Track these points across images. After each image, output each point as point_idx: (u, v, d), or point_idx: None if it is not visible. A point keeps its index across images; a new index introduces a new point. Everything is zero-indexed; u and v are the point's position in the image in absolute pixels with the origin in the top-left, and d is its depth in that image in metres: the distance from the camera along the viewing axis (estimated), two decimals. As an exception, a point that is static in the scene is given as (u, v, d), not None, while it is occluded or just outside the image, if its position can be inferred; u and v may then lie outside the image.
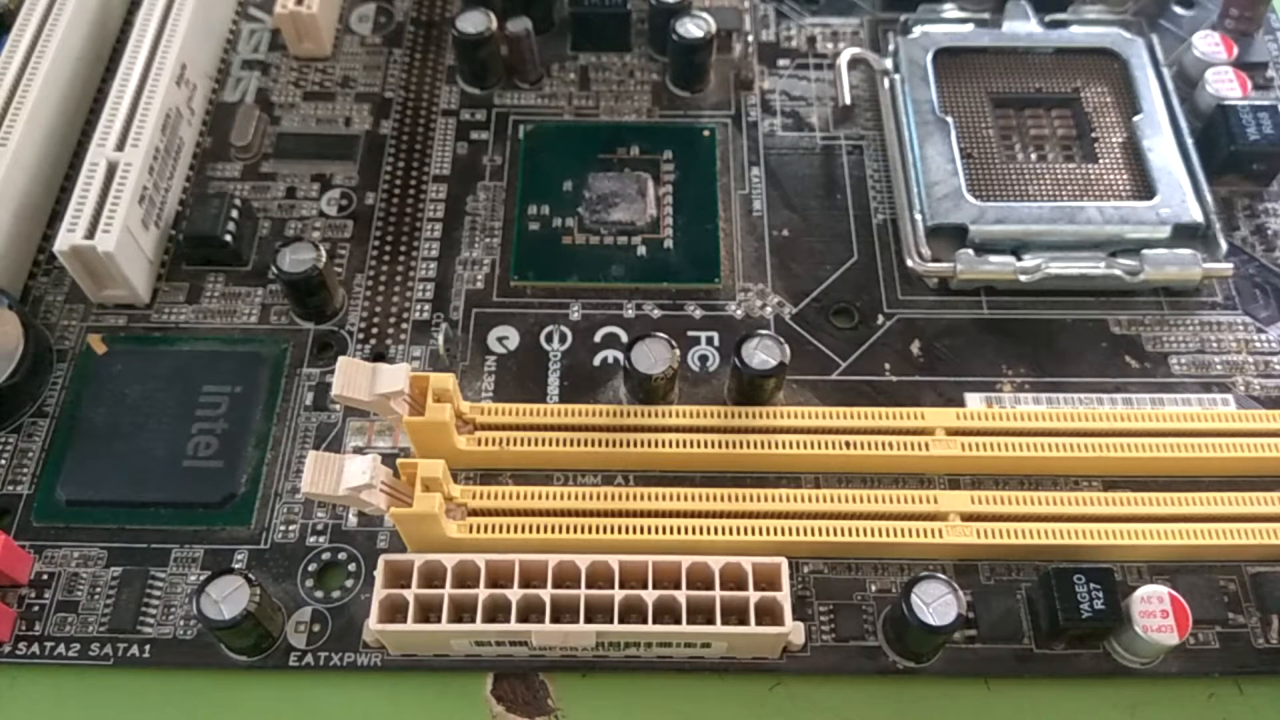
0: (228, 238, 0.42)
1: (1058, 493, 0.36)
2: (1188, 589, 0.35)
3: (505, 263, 0.43)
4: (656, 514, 0.35)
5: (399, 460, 0.33)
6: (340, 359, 0.34)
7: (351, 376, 0.33)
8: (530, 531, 0.34)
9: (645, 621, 0.33)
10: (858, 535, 0.35)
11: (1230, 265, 0.41)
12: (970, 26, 0.48)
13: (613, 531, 0.35)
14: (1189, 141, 0.44)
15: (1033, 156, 0.44)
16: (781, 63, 0.49)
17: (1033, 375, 0.40)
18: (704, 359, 0.41)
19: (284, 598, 0.36)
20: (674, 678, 0.35)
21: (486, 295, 0.42)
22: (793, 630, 0.33)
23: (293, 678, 0.35)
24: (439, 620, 0.33)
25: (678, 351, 0.38)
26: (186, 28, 0.45)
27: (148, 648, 0.35)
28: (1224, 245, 0.41)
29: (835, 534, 0.35)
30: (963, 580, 0.36)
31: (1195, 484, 0.37)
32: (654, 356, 0.37)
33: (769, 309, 0.42)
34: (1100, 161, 0.43)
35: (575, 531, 0.35)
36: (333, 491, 0.31)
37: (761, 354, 0.37)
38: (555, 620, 0.33)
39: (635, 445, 0.37)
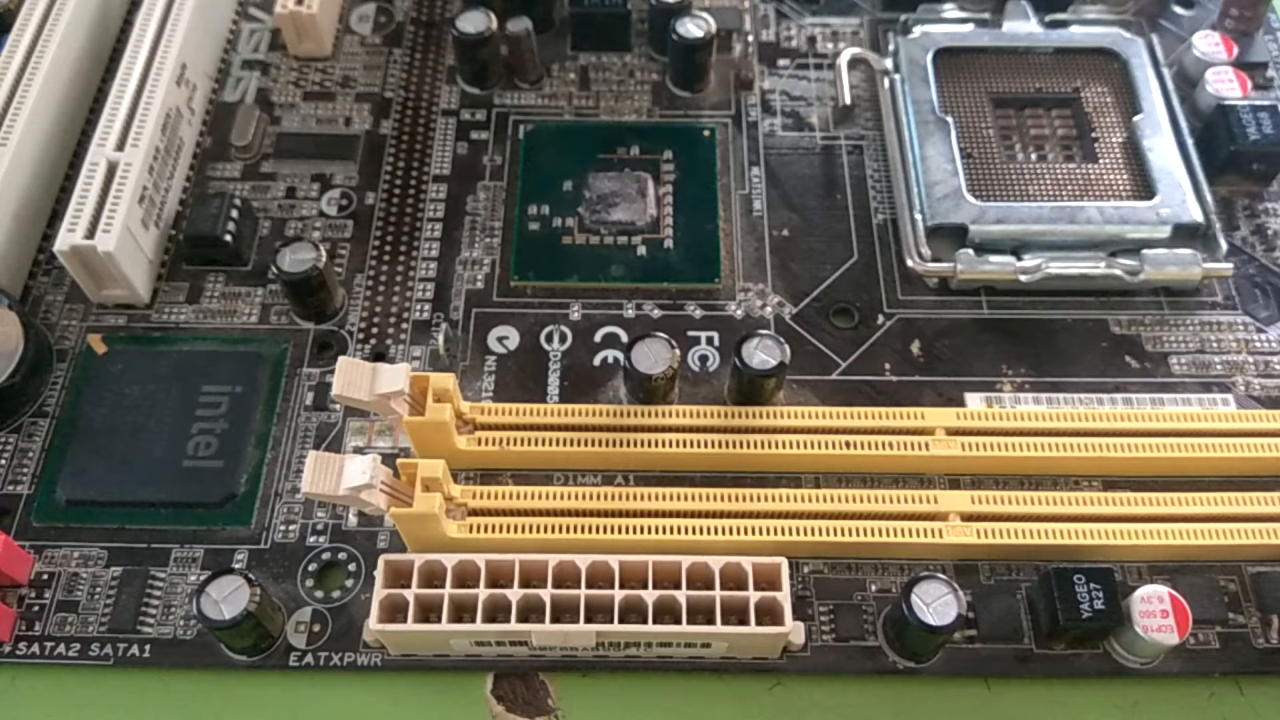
0: (228, 238, 0.42)
1: (1058, 493, 0.36)
2: (1188, 589, 0.35)
3: (505, 263, 0.43)
4: (656, 514, 0.35)
5: (399, 460, 0.33)
6: (340, 359, 0.34)
7: (351, 376, 0.33)
8: (530, 531, 0.34)
9: (645, 621, 0.33)
10: (858, 535, 0.35)
11: (1230, 265, 0.41)
12: (970, 26, 0.48)
13: (613, 531, 0.35)
14: (1189, 141, 0.44)
15: (1033, 156, 0.44)
16: (781, 63, 0.49)
17: (1033, 375, 0.40)
18: (704, 359, 0.41)
19: (284, 598, 0.36)
20: (674, 678, 0.35)
21: (486, 295, 0.42)
22: (793, 630, 0.33)
23: (293, 678, 0.35)
24: (439, 620, 0.33)
25: (678, 351, 0.38)
26: (186, 28, 0.45)
27: (148, 648, 0.35)
28: (1224, 245, 0.41)
29: (835, 534, 0.35)
30: (963, 580, 0.36)
31: (1195, 484, 0.37)
32: (654, 356, 0.37)
33: (769, 309, 0.42)
34: (1100, 161, 0.43)
35: (575, 531, 0.35)
36: (333, 491, 0.31)
37: (761, 354, 0.37)
38: (555, 620, 0.33)
39: (635, 445, 0.37)
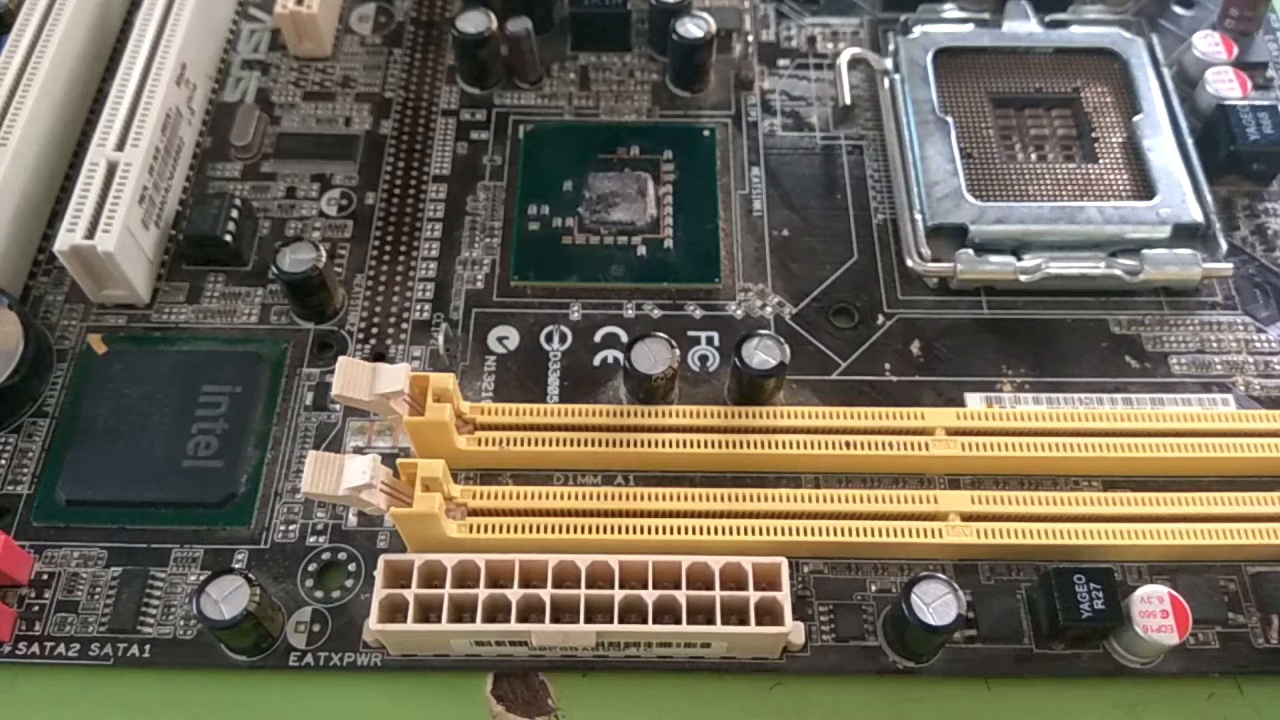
0: (228, 238, 0.42)
1: (1058, 493, 0.36)
2: (1188, 589, 0.35)
3: (505, 263, 0.43)
4: (656, 514, 0.35)
5: (399, 460, 0.33)
6: (340, 359, 0.34)
7: (351, 376, 0.33)
8: (530, 531, 0.34)
9: (645, 621, 0.33)
10: (858, 535, 0.35)
11: (1230, 265, 0.41)
12: (970, 26, 0.48)
13: (613, 531, 0.35)
14: (1189, 141, 0.44)
15: (1033, 156, 0.44)
16: (781, 63, 0.49)
17: (1033, 375, 0.40)
18: (704, 359, 0.41)
19: (284, 598, 0.36)
20: (674, 678, 0.35)
21: (486, 295, 0.42)
22: (793, 630, 0.33)
23: (293, 678, 0.35)
24: (439, 620, 0.33)
25: (678, 351, 0.38)
26: (186, 28, 0.45)
27: (148, 648, 0.35)
28: (1224, 245, 0.41)
29: (835, 534, 0.35)
30: (963, 580, 0.36)
31: (1195, 484, 0.37)
32: (654, 356, 0.37)
33: (769, 309, 0.42)
34: (1100, 161, 0.43)
35: (575, 531, 0.34)
36: (333, 491, 0.31)
37: (761, 354, 0.37)
38: (555, 620, 0.33)
39: (635, 445, 0.37)
